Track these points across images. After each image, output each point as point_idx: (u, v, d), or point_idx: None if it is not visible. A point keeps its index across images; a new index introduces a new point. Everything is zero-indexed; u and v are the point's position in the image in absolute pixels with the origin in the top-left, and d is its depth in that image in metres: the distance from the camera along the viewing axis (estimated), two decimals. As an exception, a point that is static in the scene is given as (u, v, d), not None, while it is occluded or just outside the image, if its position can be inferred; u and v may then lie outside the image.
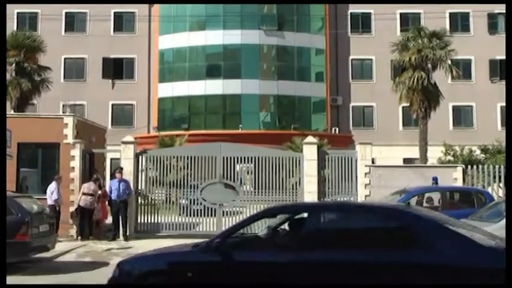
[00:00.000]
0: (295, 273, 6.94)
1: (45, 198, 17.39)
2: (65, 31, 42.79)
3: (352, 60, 42.95)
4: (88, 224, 18.37)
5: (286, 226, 8.12)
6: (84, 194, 18.21)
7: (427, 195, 16.19)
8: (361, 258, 6.84)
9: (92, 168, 20.00)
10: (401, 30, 39.19)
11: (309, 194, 18.40)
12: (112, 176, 19.25)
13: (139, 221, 18.86)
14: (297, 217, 7.95)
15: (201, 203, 18.60)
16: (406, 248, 6.82)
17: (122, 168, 18.47)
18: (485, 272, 6.37)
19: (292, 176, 19.35)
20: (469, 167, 19.71)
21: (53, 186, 17.79)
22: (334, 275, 6.86)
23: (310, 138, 19.72)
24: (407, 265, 6.63)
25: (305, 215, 7.63)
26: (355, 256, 6.89)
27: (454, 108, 41.43)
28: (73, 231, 18.39)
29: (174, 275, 7.44)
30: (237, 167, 19.14)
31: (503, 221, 11.57)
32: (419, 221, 7.05)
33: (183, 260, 7.59)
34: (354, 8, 42.96)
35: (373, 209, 7.94)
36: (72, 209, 18.54)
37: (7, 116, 17.56)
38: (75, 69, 42.61)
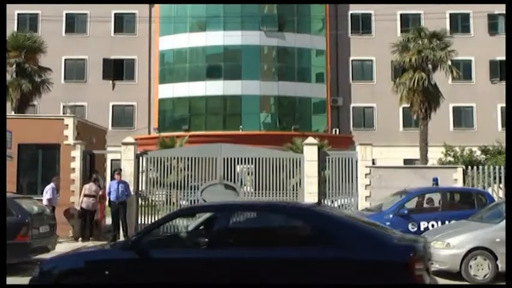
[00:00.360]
0: (208, 269, 7.27)
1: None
2: (66, 32, 42.80)
3: (352, 61, 42.95)
4: (89, 225, 18.41)
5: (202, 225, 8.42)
6: (85, 195, 18.20)
7: (427, 196, 16.19)
8: (271, 255, 7.16)
9: (92, 169, 20.01)
10: (401, 31, 39.22)
11: (310, 194, 18.39)
12: (112, 177, 19.24)
13: (140, 222, 18.85)
14: (211, 216, 8.19)
15: (201, 204, 18.58)
16: (313, 245, 7.21)
17: (120, 170, 18.46)
18: (387, 264, 6.83)
19: (293, 177, 19.34)
20: (470, 167, 19.69)
21: (48, 186, 17.80)
22: (245, 272, 7.17)
23: (310, 139, 19.72)
24: (314, 261, 6.99)
25: (218, 214, 7.98)
26: (265, 253, 7.21)
27: (455, 109, 41.42)
28: (71, 231, 18.42)
29: (92, 274, 7.63)
30: (238, 168, 19.14)
31: (504, 222, 11.59)
32: (327, 220, 7.47)
33: (101, 259, 7.84)
34: (354, 9, 42.97)
35: (284, 209, 8.27)
36: (73, 209, 18.58)
37: (7, 117, 17.58)
38: (75, 70, 42.63)
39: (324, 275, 6.90)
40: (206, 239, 7.65)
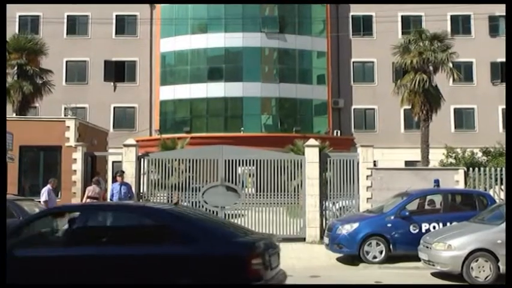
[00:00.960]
0: (67, 267, 7.63)
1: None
2: (67, 34, 42.86)
3: (353, 62, 42.98)
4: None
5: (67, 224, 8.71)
6: (89, 197, 18.14)
7: (428, 197, 16.16)
8: (124, 252, 7.63)
9: (93, 171, 20.01)
10: (402, 33, 39.21)
11: (311, 196, 18.38)
12: (114, 179, 19.24)
13: (141, 223, 18.80)
14: (73, 216, 8.51)
15: (202, 206, 18.57)
16: (165, 242, 7.71)
17: (123, 172, 18.41)
18: (227, 259, 7.42)
19: (294, 179, 19.30)
20: (471, 169, 19.66)
21: (44, 188, 17.75)
22: (100, 267, 7.60)
23: (311, 141, 19.70)
24: (164, 257, 7.51)
25: (81, 214, 8.41)
26: (118, 250, 7.68)
27: (456, 110, 41.45)
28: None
29: None
30: (239, 170, 19.12)
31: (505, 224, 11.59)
32: (176, 218, 8.05)
33: None
34: (355, 11, 43.01)
35: (138, 209, 8.85)
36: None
37: (9, 119, 17.58)
38: (77, 72, 42.68)
39: (172, 269, 7.43)
40: (67, 237, 8.12)
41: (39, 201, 16.69)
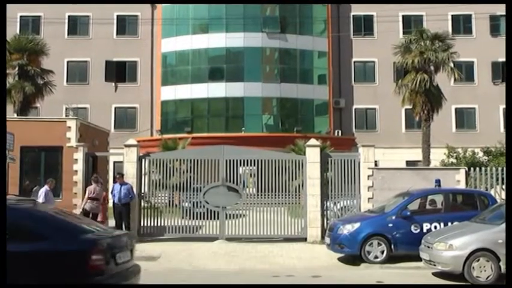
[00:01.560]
0: None
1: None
2: (68, 34, 42.89)
3: (354, 62, 42.98)
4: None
5: None
6: (89, 198, 18.10)
7: (430, 197, 16.15)
8: None
9: (94, 171, 20.01)
10: (403, 33, 39.25)
11: (312, 196, 18.37)
12: (115, 180, 19.24)
13: (142, 224, 18.84)
14: None
15: (204, 206, 18.58)
16: (13, 239, 7.75)
17: (122, 175, 18.41)
18: (71, 254, 7.71)
19: (295, 179, 19.29)
20: (472, 169, 19.66)
21: (42, 189, 17.69)
22: None
23: (312, 141, 19.69)
24: (12, 254, 7.58)
25: None
26: None
27: (457, 110, 41.45)
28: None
29: None
30: (240, 170, 19.11)
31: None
32: (26, 216, 8.23)
33: None
34: (357, 11, 43.02)
35: None
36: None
37: (10, 119, 17.58)
38: (78, 73, 42.71)
39: (19, 266, 7.53)
40: None
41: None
